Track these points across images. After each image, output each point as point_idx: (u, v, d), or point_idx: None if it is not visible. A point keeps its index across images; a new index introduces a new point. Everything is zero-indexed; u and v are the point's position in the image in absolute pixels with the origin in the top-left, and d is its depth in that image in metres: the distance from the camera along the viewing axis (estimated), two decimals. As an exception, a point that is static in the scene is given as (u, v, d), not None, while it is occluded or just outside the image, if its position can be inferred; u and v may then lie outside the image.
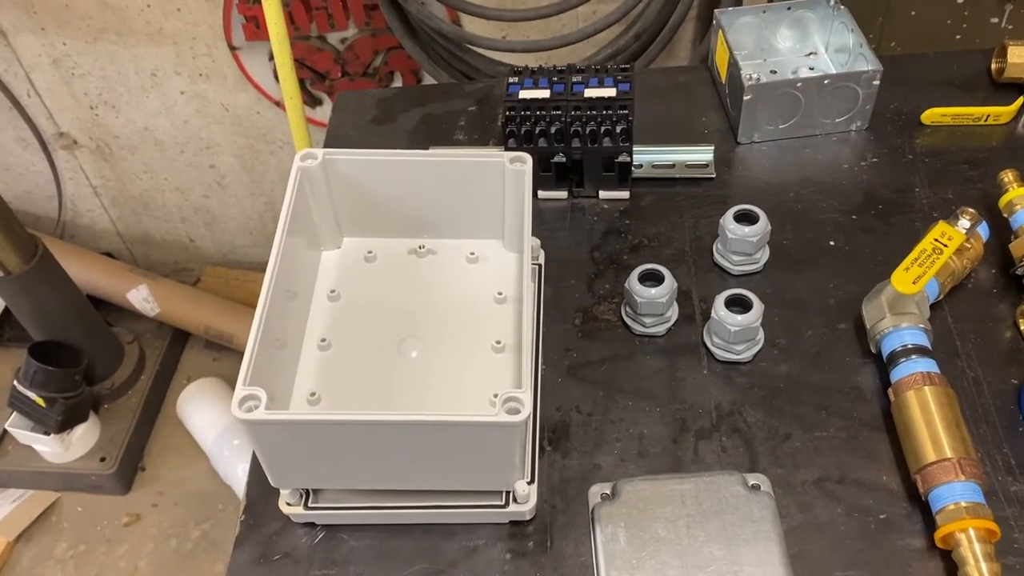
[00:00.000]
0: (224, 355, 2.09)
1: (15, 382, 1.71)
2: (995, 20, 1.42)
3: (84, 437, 1.83)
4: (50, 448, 1.79)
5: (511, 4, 1.56)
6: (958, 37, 1.44)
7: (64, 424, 1.76)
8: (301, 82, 1.65)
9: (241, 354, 0.66)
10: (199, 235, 2.17)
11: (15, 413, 1.74)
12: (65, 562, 1.79)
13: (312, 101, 1.81)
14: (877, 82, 1.00)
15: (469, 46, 1.53)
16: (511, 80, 0.97)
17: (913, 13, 1.41)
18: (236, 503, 1.83)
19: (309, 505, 0.74)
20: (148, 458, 1.94)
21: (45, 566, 1.79)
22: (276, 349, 0.73)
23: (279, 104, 1.82)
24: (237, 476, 1.80)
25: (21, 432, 1.77)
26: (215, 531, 1.82)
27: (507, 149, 0.94)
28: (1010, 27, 1.43)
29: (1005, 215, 0.91)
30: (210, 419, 1.87)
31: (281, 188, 2.02)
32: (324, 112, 1.82)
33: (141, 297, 1.98)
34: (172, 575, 1.76)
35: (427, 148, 1.05)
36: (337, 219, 0.86)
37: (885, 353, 0.80)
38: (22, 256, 1.61)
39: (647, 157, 1.01)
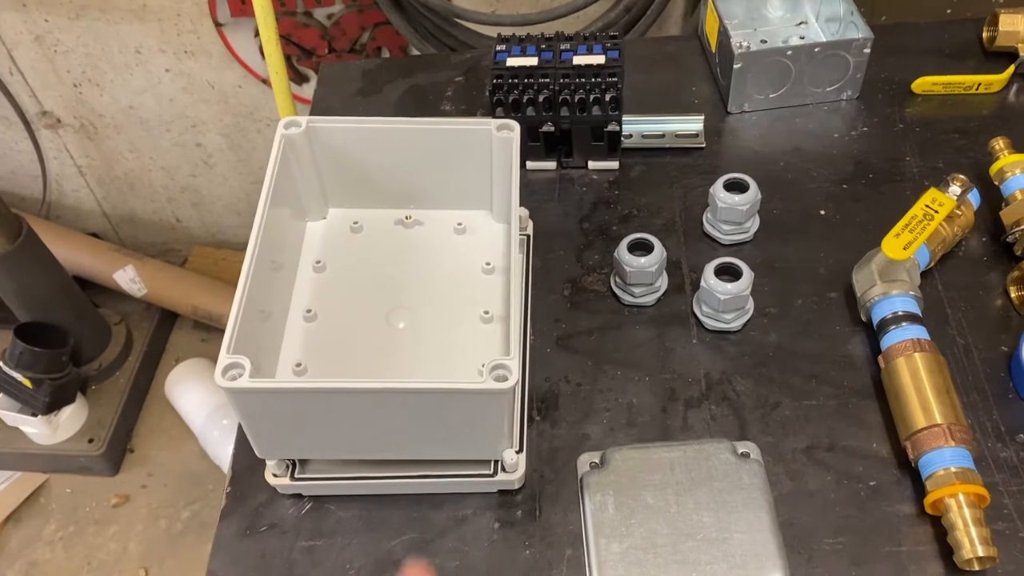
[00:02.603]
0: (213, 336, 2.08)
1: (1, 363, 1.69)
2: (986, -7, 1.41)
3: (72, 418, 1.82)
4: (38, 430, 1.78)
5: (499, -22, 1.54)
6: (948, 12, 1.43)
7: (51, 405, 1.74)
8: (287, 59, 1.64)
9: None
10: (186, 215, 2.15)
11: (1, 395, 1.73)
12: (54, 543, 1.78)
13: (299, 78, 1.79)
14: (868, 50, 0.99)
15: (457, 20, 1.52)
16: (498, 48, 0.96)
17: (904, -16, 1.40)
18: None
19: (295, 476, 0.73)
20: (137, 439, 1.93)
21: (34, 548, 1.78)
22: (260, 320, 0.72)
23: (265, 81, 1.80)
24: (226, 456, 1.78)
25: (8, 414, 1.75)
26: (205, 512, 1.81)
27: (495, 118, 0.93)
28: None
29: (996, 183, 0.90)
30: (199, 399, 1.86)
31: (268, 167, 2.00)
32: (311, 89, 1.80)
33: (128, 278, 1.96)
34: (162, 556, 1.76)
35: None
36: (322, 189, 0.85)
37: (875, 320, 0.80)
38: (6, 236, 1.59)
39: (637, 127, 1.00)
